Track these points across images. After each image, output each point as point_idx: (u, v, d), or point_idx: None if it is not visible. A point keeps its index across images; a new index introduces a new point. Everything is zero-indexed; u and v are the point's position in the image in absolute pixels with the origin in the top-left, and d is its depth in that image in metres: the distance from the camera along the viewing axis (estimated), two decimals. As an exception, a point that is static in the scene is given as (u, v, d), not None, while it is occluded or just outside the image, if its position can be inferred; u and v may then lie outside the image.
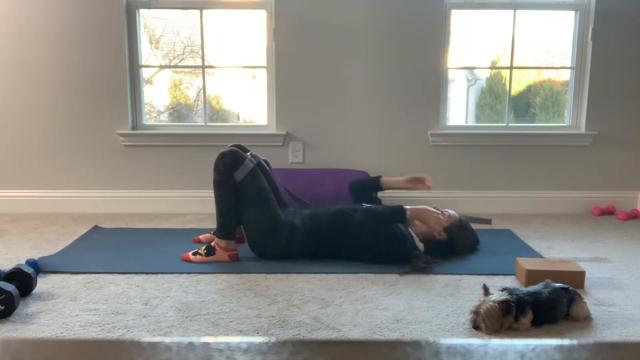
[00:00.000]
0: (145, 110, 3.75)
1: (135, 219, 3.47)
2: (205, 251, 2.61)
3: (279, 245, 2.61)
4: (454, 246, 2.70)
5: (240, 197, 2.62)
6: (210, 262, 2.59)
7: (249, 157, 2.66)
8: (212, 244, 2.63)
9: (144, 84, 3.70)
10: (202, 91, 3.74)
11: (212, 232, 2.94)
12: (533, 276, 2.24)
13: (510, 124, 3.76)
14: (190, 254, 2.62)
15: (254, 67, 3.71)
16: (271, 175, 2.81)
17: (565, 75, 3.77)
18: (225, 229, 2.63)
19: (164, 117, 3.95)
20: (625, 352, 0.51)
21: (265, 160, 2.80)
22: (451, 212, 2.77)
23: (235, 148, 2.66)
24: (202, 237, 2.93)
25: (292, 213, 2.70)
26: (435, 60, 3.56)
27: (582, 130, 3.66)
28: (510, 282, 2.37)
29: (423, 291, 2.25)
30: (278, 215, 2.62)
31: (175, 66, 3.86)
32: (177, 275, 2.42)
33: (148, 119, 3.80)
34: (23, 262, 2.53)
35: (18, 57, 3.49)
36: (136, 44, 3.58)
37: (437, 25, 3.52)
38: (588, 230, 3.28)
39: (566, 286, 1.99)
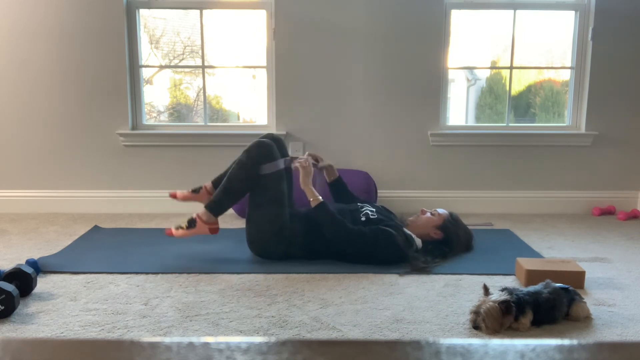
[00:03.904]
0: (145, 110, 3.75)
1: (135, 219, 3.47)
2: (187, 224, 2.58)
3: (280, 248, 2.60)
4: (450, 242, 2.70)
5: (258, 192, 2.60)
6: (192, 235, 2.59)
7: (287, 159, 2.67)
8: (194, 216, 2.60)
9: (144, 84, 3.70)
10: (202, 91, 3.75)
11: (189, 191, 2.76)
12: (533, 276, 2.24)
13: (510, 124, 3.76)
14: (173, 228, 2.60)
15: (254, 67, 3.71)
16: (293, 178, 2.78)
17: (565, 75, 3.77)
18: (218, 206, 2.60)
19: (164, 117, 3.95)
20: (625, 352, 0.51)
21: (292, 158, 2.75)
22: (440, 210, 2.78)
23: (273, 143, 2.64)
24: (179, 192, 2.75)
25: (293, 214, 2.69)
26: (435, 60, 3.56)
27: (582, 130, 3.66)
28: (510, 282, 2.37)
29: (423, 291, 2.25)
30: (287, 221, 2.61)
31: (175, 66, 3.86)
32: (177, 275, 2.42)
33: (148, 119, 3.80)
34: (23, 262, 2.53)
35: (18, 57, 3.49)
36: (136, 44, 3.58)
37: (437, 25, 3.52)
38: (588, 230, 3.28)
39: (566, 286, 1.99)
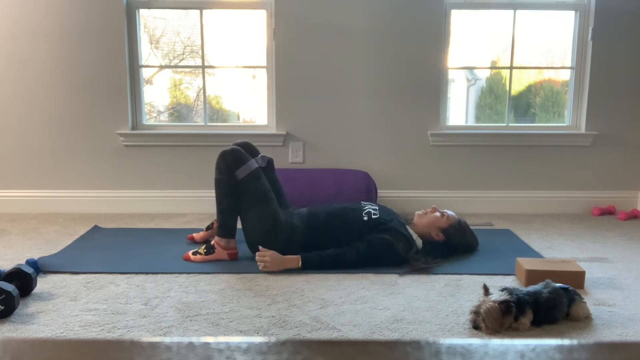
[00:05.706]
0: (145, 110, 3.75)
1: (135, 219, 3.47)
2: (205, 250, 2.62)
3: (279, 246, 2.60)
4: (452, 247, 2.70)
5: (242, 197, 2.62)
6: (210, 261, 2.60)
7: (258, 158, 2.70)
8: (212, 242, 2.65)
9: (144, 84, 3.70)
10: (202, 91, 3.75)
11: (205, 229, 2.96)
12: (533, 276, 2.24)
13: (510, 124, 3.76)
14: (190, 253, 2.63)
15: (254, 67, 3.71)
16: (276, 176, 2.81)
17: (565, 75, 3.77)
18: (224, 228, 2.64)
19: (164, 117, 3.95)
20: (625, 352, 0.51)
21: (270, 160, 2.80)
22: (450, 213, 2.76)
23: (237, 147, 2.67)
24: (196, 235, 2.93)
25: (292, 213, 2.70)
26: (435, 60, 3.56)
27: (582, 130, 3.66)
28: (510, 282, 2.37)
29: (423, 291, 2.25)
30: (278, 215, 2.62)
31: (175, 66, 3.86)
32: (177, 275, 2.42)
33: (148, 119, 3.80)
34: (23, 262, 2.53)
35: (18, 57, 3.49)
36: (136, 44, 3.58)
37: (437, 25, 3.52)
38: (588, 230, 3.28)
39: (566, 286, 1.99)
